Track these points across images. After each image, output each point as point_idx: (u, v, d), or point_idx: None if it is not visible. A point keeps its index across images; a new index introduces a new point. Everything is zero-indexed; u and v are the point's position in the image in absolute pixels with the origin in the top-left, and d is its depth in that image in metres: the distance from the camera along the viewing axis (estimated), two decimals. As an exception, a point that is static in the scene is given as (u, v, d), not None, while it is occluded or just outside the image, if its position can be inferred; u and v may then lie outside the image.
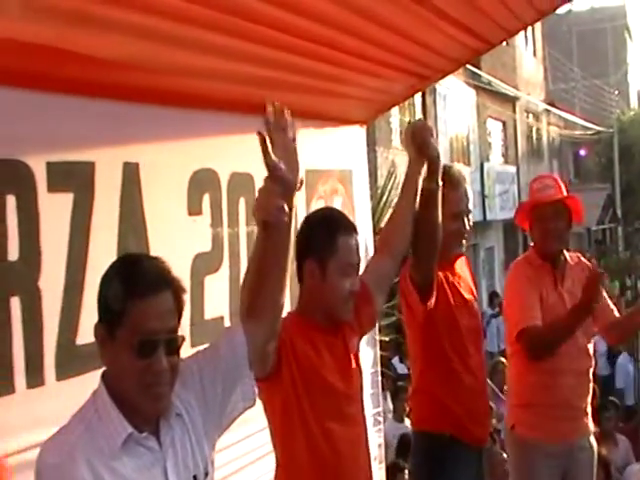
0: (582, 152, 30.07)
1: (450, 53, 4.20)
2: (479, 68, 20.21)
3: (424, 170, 3.10)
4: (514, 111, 25.86)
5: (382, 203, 9.43)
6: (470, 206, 3.62)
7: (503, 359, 10.59)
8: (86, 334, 2.51)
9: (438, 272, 3.36)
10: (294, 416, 2.63)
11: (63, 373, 2.57)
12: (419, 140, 3.06)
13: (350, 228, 2.77)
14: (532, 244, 4.12)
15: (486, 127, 23.53)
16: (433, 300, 3.31)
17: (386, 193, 9.88)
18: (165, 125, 3.04)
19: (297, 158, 2.19)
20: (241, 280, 3.42)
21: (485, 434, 3.67)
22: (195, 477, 1.98)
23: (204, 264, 3.23)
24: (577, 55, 39.87)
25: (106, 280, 1.91)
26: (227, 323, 3.35)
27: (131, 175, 2.87)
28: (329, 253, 2.68)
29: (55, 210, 2.58)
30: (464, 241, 3.62)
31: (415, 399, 3.73)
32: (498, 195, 22.15)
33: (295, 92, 3.60)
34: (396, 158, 14.42)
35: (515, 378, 4.05)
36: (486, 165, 22.25)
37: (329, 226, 2.73)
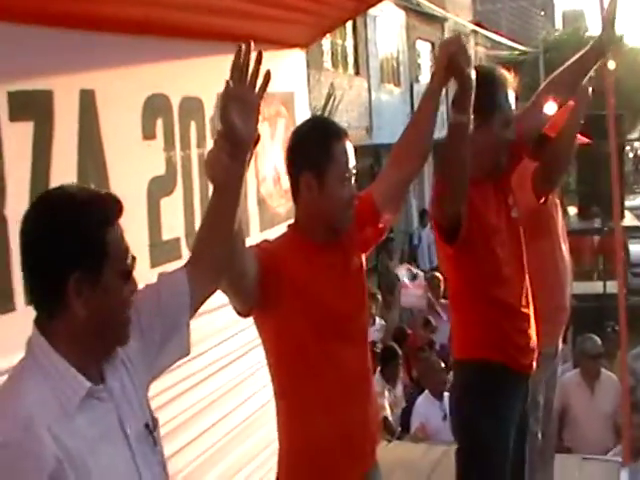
0: None
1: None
2: (408, -11, 20.22)
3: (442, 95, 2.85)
4: (443, 32, 25.93)
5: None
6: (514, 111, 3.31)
7: (438, 274, 11.04)
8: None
9: (474, 190, 3.08)
10: (293, 340, 2.52)
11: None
12: (455, 64, 2.75)
13: (341, 133, 2.61)
14: None
15: (415, 48, 23.60)
16: (461, 237, 3.06)
17: (325, 115, 9.96)
18: (119, 52, 3.09)
19: (257, 117, 1.97)
20: (195, 202, 3.60)
21: (531, 361, 3.33)
22: (147, 425, 1.87)
23: (159, 187, 3.32)
24: (503, -26, 39.92)
25: (63, 226, 1.70)
26: (183, 244, 3.46)
27: (88, 102, 2.92)
28: (325, 162, 2.53)
29: (17, 139, 2.63)
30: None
31: (455, 326, 3.51)
32: (428, 116, 22.36)
33: (237, 18, 3.67)
34: (335, 80, 14.50)
35: None
36: (416, 86, 22.34)
37: (321, 134, 2.59)
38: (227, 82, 1.90)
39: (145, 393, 1.94)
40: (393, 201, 2.84)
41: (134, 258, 1.80)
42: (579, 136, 3.97)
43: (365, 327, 2.77)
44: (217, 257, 2.10)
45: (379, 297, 10.38)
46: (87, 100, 2.92)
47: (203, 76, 3.66)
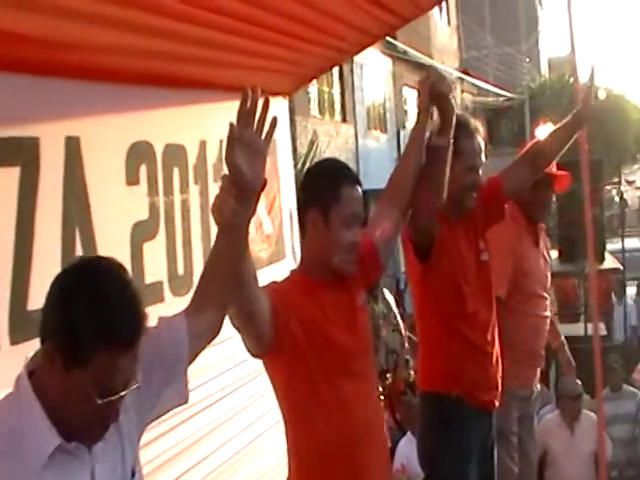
0: None
1: (367, 28, 4.40)
2: (394, 38, 20.50)
3: (436, 125, 3.01)
4: (429, 79, 26.26)
5: (304, 171, 9.68)
6: (483, 158, 3.46)
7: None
8: (35, 301, 2.63)
9: (445, 227, 3.27)
10: (303, 381, 2.57)
11: (17, 338, 2.67)
12: (437, 92, 2.93)
13: (354, 179, 2.71)
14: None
15: (402, 95, 23.89)
16: (433, 259, 3.23)
17: (308, 162, 10.08)
18: (104, 101, 3.18)
19: (264, 161, 1.98)
20: (177, 246, 3.68)
21: (493, 398, 3.45)
22: None
23: (142, 231, 3.38)
24: (490, 23, 40.45)
25: (74, 310, 1.65)
26: (166, 287, 3.53)
27: (73, 148, 2.99)
28: (332, 202, 2.62)
29: (3, 183, 2.70)
30: (475, 194, 3.43)
31: (420, 358, 3.65)
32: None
33: (220, 67, 3.80)
34: (317, 128, 14.66)
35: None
36: (402, 132, 22.56)
37: (333, 175, 2.69)
38: (231, 125, 1.90)
39: (135, 445, 1.90)
40: (389, 238, 2.93)
41: (121, 394, 1.70)
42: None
43: (372, 364, 2.82)
44: (219, 302, 2.07)
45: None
46: (72, 147, 3.00)
47: (186, 124, 3.77)
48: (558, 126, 3.77)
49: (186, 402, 2.07)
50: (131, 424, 1.87)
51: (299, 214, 2.75)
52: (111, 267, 1.75)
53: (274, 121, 1.99)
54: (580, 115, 3.77)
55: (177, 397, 2.03)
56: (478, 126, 3.50)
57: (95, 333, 1.63)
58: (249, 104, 1.92)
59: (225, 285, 2.08)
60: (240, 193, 1.93)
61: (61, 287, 1.71)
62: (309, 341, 2.55)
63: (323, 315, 2.62)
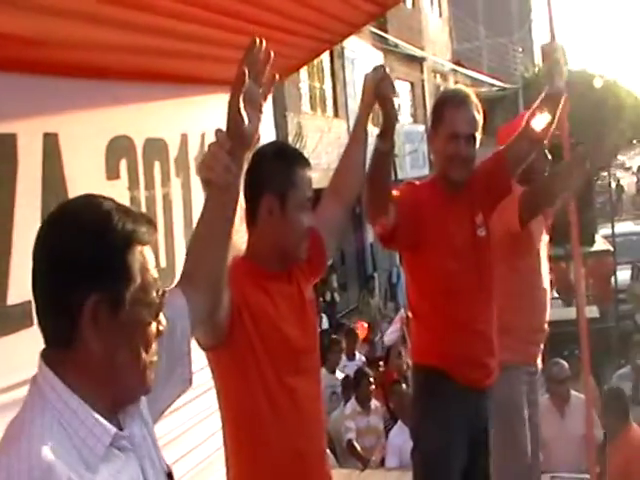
0: None
1: (346, 17, 4.40)
2: (386, 31, 20.53)
3: (369, 121, 2.96)
4: (421, 72, 26.28)
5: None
6: (471, 130, 3.35)
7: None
8: (14, 295, 2.71)
9: (428, 208, 3.28)
10: (252, 376, 2.46)
11: (-4, 332, 2.66)
12: (381, 93, 2.86)
13: (305, 161, 2.64)
14: None
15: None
16: (399, 244, 3.29)
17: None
18: (82, 96, 3.19)
19: (260, 114, 1.93)
20: (159, 239, 3.68)
21: (481, 376, 3.42)
22: (169, 475, 1.69)
23: (123, 225, 3.39)
24: (482, 14, 40.50)
25: (90, 236, 1.48)
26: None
27: (51, 145, 3.01)
28: (289, 187, 2.53)
29: (-18, 180, 2.71)
30: (463, 166, 3.34)
31: (411, 332, 3.72)
32: (408, 154, 22.59)
33: (199, 61, 3.80)
34: (309, 124, 14.67)
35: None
36: (396, 126, 22.60)
37: (286, 159, 2.60)
38: (242, 70, 1.82)
39: (156, 442, 1.71)
40: (336, 231, 2.89)
41: (164, 293, 1.59)
42: None
43: (318, 362, 2.75)
44: (214, 270, 1.97)
45: (358, 333, 10.53)
46: (50, 143, 3.02)
47: (167, 118, 3.79)
48: (537, 104, 3.64)
49: (189, 386, 1.89)
50: (149, 419, 1.71)
51: (247, 200, 2.57)
52: (83, 196, 1.64)
53: (273, 75, 1.95)
54: (552, 90, 3.63)
55: (181, 382, 1.86)
56: (471, 97, 3.40)
57: (124, 236, 1.52)
58: (254, 55, 1.87)
59: (218, 252, 1.97)
60: (234, 146, 1.87)
61: (59, 237, 1.52)
62: (261, 336, 2.45)
63: (275, 308, 2.52)
